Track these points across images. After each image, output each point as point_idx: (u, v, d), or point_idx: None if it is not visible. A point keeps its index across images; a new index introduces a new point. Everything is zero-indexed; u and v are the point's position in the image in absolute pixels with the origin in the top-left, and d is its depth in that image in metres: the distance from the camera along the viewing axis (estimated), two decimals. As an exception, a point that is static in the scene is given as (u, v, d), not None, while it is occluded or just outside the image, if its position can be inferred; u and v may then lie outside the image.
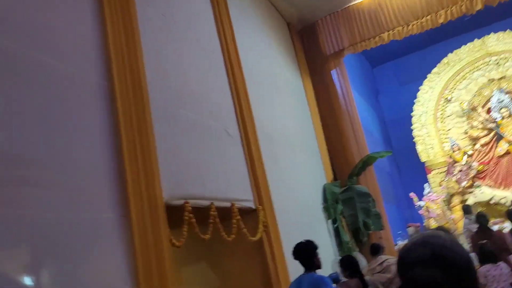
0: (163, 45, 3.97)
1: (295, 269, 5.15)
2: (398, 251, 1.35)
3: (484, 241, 4.66)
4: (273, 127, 6.18)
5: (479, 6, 7.22)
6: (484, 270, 4.38)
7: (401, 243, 8.78)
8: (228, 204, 4.13)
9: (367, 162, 7.79)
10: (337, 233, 6.93)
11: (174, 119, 3.74)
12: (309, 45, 8.49)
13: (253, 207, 4.68)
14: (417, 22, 7.70)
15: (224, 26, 5.17)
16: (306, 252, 3.48)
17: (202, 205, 3.68)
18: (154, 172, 3.06)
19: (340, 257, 4.79)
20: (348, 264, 4.12)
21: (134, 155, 2.94)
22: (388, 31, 7.91)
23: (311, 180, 6.98)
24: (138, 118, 3.09)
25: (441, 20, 7.50)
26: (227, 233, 3.87)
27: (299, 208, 6.13)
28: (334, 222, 6.99)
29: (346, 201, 6.94)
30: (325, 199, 7.01)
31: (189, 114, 4.01)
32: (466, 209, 7.57)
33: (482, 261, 4.47)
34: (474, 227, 6.85)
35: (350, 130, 8.15)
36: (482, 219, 5.82)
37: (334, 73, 8.49)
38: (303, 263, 3.51)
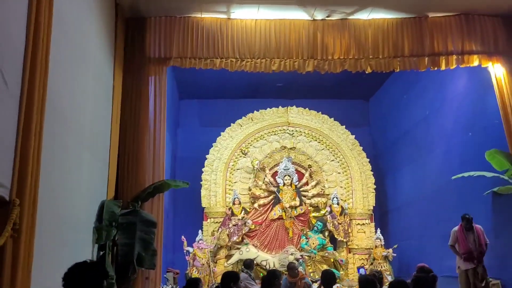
0: None
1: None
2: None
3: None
4: (66, 109, 4.65)
5: (309, 68, 7.37)
6: None
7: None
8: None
9: (159, 188, 6.72)
10: (101, 263, 5.48)
11: None
12: (133, 38, 7.27)
13: (6, 197, 3.06)
14: (252, 61, 7.40)
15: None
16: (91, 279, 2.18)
17: None
18: None
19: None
20: None
21: None
22: (222, 58, 7.36)
23: (91, 191, 5.49)
24: None
25: (274, 68, 7.37)
26: None
27: (67, 220, 4.59)
28: (101, 248, 5.56)
29: (126, 226, 5.65)
30: (100, 219, 5.57)
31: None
32: (249, 264, 7.15)
33: None
34: (252, 283, 6.43)
35: (151, 148, 7.02)
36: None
37: (151, 81, 7.36)
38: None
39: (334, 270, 10.02)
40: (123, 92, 6.93)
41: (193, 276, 10.16)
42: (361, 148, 11.78)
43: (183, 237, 10.48)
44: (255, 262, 10.56)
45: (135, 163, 6.85)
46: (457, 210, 8.37)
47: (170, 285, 7.87)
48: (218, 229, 10.93)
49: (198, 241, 10.46)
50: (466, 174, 7.33)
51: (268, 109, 12.10)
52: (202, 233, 10.89)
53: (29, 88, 3.31)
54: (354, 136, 11.84)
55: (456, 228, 7.23)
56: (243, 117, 12.02)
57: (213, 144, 11.78)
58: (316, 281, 10.14)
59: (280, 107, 12.12)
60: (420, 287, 3.83)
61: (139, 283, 6.37)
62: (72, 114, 4.89)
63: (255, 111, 12.09)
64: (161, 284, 6.69)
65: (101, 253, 5.55)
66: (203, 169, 11.61)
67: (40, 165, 3.41)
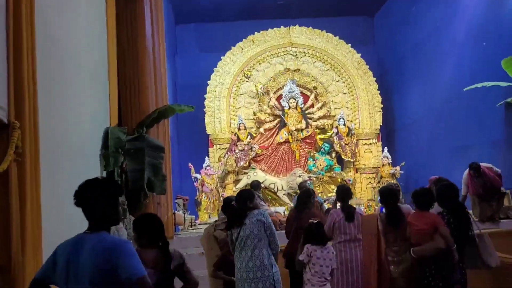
0: None
1: (57, 223, 3.58)
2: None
3: (315, 220, 4.07)
4: (58, 31, 4.30)
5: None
6: (311, 249, 3.88)
7: (177, 213, 7.84)
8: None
9: (164, 113, 6.49)
10: (113, 179, 5.41)
11: None
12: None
13: (5, 120, 2.86)
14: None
15: None
16: (106, 194, 2.04)
17: None
18: None
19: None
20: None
21: None
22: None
23: (94, 117, 5.29)
24: None
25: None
26: None
27: (71, 147, 4.43)
28: (110, 174, 5.46)
29: (133, 152, 5.51)
30: (105, 146, 5.40)
31: None
32: (257, 185, 7.14)
33: (309, 241, 3.95)
34: (261, 203, 6.44)
35: (151, 73, 6.70)
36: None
37: (146, 2, 6.87)
38: (90, 215, 2.05)
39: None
40: (117, 16, 6.47)
41: (202, 202, 10.31)
42: (367, 66, 11.41)
43: (190, 164, 10.46)
44: (263, 185, 10.66)
45: (136, 89, 6.57)
46: (468, 123, 8.25)
47: (181, 210, 7.93)
48: (224, 155, 10.90)
49: (206, 168, 10.46)
50: (479, 85, 7.07)
51: (270, 29, 11.57)
52: (209, 159, 10.87)
53: (15, 10, 2.99)
54: (359, 54, 11.42)
55: (465, 174, 6.89)
56: (244, 40, 11.53)
57: (214, 69, 11.41)
58: (324, 201, 10.28)
59: (282, 27, 11.57)
60: (450, 196, 3.74)
61: (151, 209, 6.36)
62: (65, 37, 4.55)
63: (256, 33, 11.57)
64: (172, 209, 6.70)
65: (111, 180, 5.46)
66: (205, 96, 11.35)
67: (36, 87, 3.17)
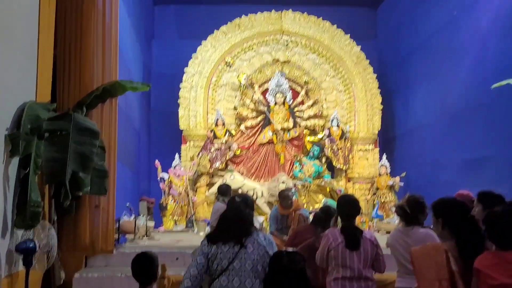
0: None
1: None
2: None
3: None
4: None
5: None
6: None
7: (127, 219, 6.30)
8: None
9: (110, 91, 5.03)
10: (23, 184, 3.91)
11: None
12: None
13: None
14: None
15: None
16: None
17: None
18: None
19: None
20: None
21: None
22: None
23: (6, 87, 3.80)
24: None
25: None
26: None
27: None
28: (23, 164, 3.95)
29: (54, 136, 4.00)
30: (17, 125, 3.89)
31: None
32: (225, 191, 5.65)
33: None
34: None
35: (97, 40, 5.20)
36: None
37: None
38: None
39: (330, 201, 8.72)
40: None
41: (168, 206, 8.79)
42: (368, 62, 10.04)
43: (157, 161, 8.96)
44: (240, 191, 9.20)
45: (78, 59, 5.09)
46: (486, 130, 6.88)
47: (131, 215, 6.39)
48: (198, 154, 9.42)
49: (175, 167, 8.96)
50: (511, 81, 5.69)
51: (259, 13, 10.15)
52: (180, 158, 9.36)
53: None
54: (359, 47, 10.05)
55: None
56: (228, 23, 10.08)
57: (192, 55, 9.94)
58: (310, 213, 8.82)
59: (273, 11, 10.15)
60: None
61: (85, 211, 4.87)
62: None
63: (243, 16, 10.13)
64: (115, 214, 5.18)
65: (26, 171, 3.93)
66: (180, 85, 9.86)
67: None
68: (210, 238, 2.59)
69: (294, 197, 8.42)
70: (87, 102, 4.89)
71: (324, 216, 4.03)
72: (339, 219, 3.35)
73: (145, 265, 2.77)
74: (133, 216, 6.35)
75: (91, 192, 4.65)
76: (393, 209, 8.52)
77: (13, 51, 4.07)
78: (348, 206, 3.34)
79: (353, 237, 3.13)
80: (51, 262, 3.92)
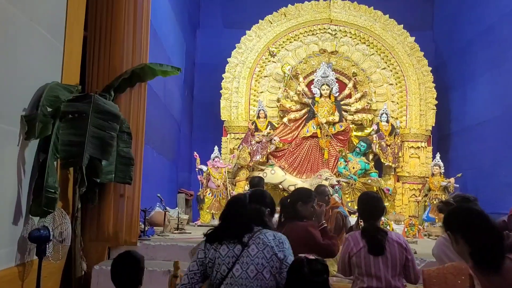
0: None
1: None
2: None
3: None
4: None
5: None
6: None
7: (157, 211, 6.09)
8: None
9: (140, 75, 4.80)
10: (41, 168, 3.74)
11: None
12: None
13: None
14: None
15: None
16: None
17: None
18: None
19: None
20: None
21: None
22: None
23: (29, 66, 3.65)
24: None
25: None
26: None
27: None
28: (43, 148, 3.78)
29: (72, 118, 3.78)
30: (36, 106, 3.72)
31: None
32: (257, 184, 5.27)
33: None
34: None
35: (129, 24, 5.00)
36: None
37: None
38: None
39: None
40: None
41: (206, 199, 8.55)
42: (422, 53, 9.29)
43: (195, 153, 8.75)
44: (281, 186, 8.82)
45: (108, 41, 4.90)
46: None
47: (162, 206, 6.17)
48: (238, 146, 9.11)
49: (214, 159, 8.71)
50: None
51: (306, 2, 9.67)
52: (219, 150, 9.11)
53: None
54: (413, 38, 9.32)
55: None
56: (274, 13, 9.68)
57: (236, 45, 9.63)
58: (354, 212, 8.28)
59: (321, 0, 9.65)
60: None
61: (109, 200, 4.67)
62: None
63: (289, 5, 9.70)
64: (154, 204, 4.96)
65: (44, 156, 3.76)
66: (223, 75, 9.59)
67: None
68: (208, 237, 2.19)
69: (336, 195, 7.96)
70: (115, 85, 4.69)
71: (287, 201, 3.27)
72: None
73: (126, 269, 2.43)
74: (162, 207, 6.13)
75: (115, 180, 4.46)
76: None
77: (39, 29, 3.91)
78: (371, 203, 2.86)
79: (376, 241, 2.64)
80: (65, 253, 3.72)
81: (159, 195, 6.18)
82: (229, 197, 8.64)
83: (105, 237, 4.63)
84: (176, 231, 6.20)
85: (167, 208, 6.29)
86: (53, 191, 3.68)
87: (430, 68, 9.24)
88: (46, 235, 3.53)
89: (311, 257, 1.98)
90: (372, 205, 2.86)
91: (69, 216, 4.22)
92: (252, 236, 2.08)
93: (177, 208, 7.26)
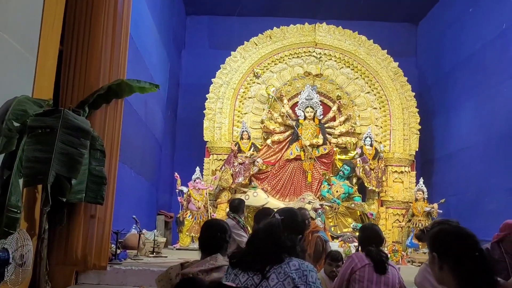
0: None
1: None
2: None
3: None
4: None
5: None
6: None
7: (132, 233, 5.86)
8: None
9: (116, 91, 4.65)
10: (5, 185, 3.52)
11: None
12: None
13: None
14: None
15: None
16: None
17: None
18: None
19: None
20: None
21: None
22: None
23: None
24: None
25: None
26: None
27: None
28: (7, 164, 3.58)
29: (39, 133, 3.60)
30: (1, 120, 3.53)
31: None
32: (237, 206, 5.06)
33: None
34: (240, 233, 4.47)
35: (107, 39, 4.87)
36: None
37: None
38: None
39: (361, 226, 7.96)
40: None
41: (186, 221, 8.31)
42: (406, 79, 9.34)
43: (176, 174, 8.56)
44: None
45: (84, 56, 4.76)
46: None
47: (137, 228, 5.93)
48: (221, 168, 8.94)
49: (195, 180, 8.52)
50: None
51: (292, 25, 9.70)
52: (201, 171, 8.92)
53: None
54: (397, 63, 9.38)
55: None
56: (260, 35, 9.68)
57: (221, 65, 9.57)
58: (337, 237, 8.12)
59: (306, 24, 9.69)
60: None
61: (79, 221, 4.45)
62: None
63: (274, 28, 9.72)
64: (129, 226, 4.74)
65: (9, 173, 3.56)
66: (207, 95, 9.49)
67: None
68: (231, 260, 1.96)
69: (319, 219, 7.81)
70: (90, 101, 4.52)
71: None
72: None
73: None
74: (137, 229, 5.89)
75: (86, 200, 4.25)
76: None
77: (10, 41, 3.76)
78: (372, 236, 3.08)
79: (381, 261, 2.84)
80: (26, 277, 3.48)
81: (134, 216, 5.95)
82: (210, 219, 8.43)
83: (73, 260, 4.38)
84: (151, 255, 5.95)
85: (144, 230, 6.04)
86: (15, 210, 3.46)
87: (414, 93, 9.27)
88: (5, 257, 3.29)
89: None
90: (374, 237, 3.06)
91: (35, 238, 4.00)
92: (275, 267, 1.84)
93: (154, 230, 7.00)
